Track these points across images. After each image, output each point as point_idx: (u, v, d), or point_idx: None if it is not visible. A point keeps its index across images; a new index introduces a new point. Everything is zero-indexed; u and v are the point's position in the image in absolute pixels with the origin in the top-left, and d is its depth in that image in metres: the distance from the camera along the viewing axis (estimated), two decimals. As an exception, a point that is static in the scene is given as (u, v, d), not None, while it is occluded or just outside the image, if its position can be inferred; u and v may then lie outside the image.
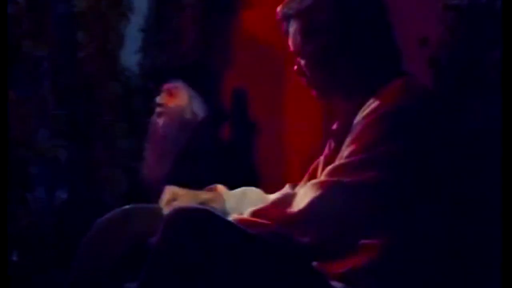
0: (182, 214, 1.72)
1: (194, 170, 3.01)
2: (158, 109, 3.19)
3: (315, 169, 2.03)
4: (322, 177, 1.80)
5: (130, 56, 3.65)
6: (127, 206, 2.07)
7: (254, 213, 1.78)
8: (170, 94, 3.18)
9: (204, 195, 2.06)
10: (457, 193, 1.82)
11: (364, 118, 1.78)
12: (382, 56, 1.88)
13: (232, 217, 1.82)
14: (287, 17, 1.92)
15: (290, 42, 1.93)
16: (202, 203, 1.99)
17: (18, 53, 3.24)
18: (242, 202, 2.04)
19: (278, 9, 1.94)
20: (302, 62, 1.91)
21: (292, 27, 1.91)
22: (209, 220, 1.71)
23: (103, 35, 3.47)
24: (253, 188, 2.12)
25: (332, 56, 1.87)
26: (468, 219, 1.88)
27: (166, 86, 3.21)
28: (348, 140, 1.80)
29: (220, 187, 2.08)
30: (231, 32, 3.36)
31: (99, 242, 2.01)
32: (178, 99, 3.17)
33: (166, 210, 1.97)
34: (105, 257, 1.99)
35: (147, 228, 1.94)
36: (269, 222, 1.74)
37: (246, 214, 1.80)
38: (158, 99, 3.19)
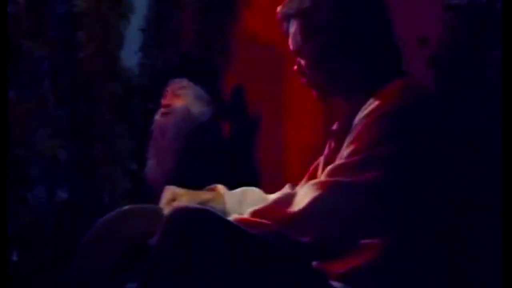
0: (182, 214, 1.72)
1: (195, 170, 3.01)
2: (163, 110, 3.18)
3: (315, 169, 2.03)
4: (322, 177, 1.80)
5: (130, 56, 3.65)
6: (126, 207, 2.07)
7: (254, 213, 1.78)
8: (176, 95, 3.18)
9: (204, 195, 2.06)
10: (457, 193, 1.82)
11: (364, 118, 1.78)
12: (382, 56, 1.88)
13: (232, 217, 1.82)
14: (287, 17, 1.92)
15: (290, 42, 1.93)
16: (202, 203, 1.99)
17: (18, 53, 3.23)
18: (242, 202, 2.04)
19: (278, 9, 1.94)
20: (302, 62, 1.90)
21: (292, 27, 1.91)
22: (209, 220, 1.71)
23: (103, 35, 3.46)
24: (253, 188, 2.12)
25: (332, 56, 1.86)
26: (468, 219, 1.88)
27: (172, 86, 3.20)
28: (348, 140, 1.80)
29: (220, 187, 2.08)
30: (231, 31, 3.36)
31: (98, 243, 2.01)
32: (183, 100, 3.16)
33: (166, 210, 1.97)
34: (104, 258, 1.99)
35: (146, 229, 1.94)
36: (269, 222, 1.74)
37: (246, 214, 1.80)
38: (163, 100, 3.19)
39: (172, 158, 3.10)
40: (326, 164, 1.93)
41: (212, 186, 2.10)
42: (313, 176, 2.00)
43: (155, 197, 2.12)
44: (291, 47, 1.93)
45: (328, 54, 1.87)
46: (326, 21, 1.86)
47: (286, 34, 1.93)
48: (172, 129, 3.13)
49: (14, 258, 3.08)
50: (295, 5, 1.90)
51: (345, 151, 1.79)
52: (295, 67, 1.94)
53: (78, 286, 2.01)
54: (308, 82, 1.92)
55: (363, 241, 1.76)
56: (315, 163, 2.05)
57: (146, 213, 2.04)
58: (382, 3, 1.92)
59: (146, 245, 1.87)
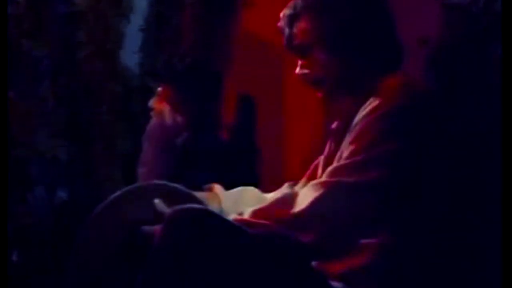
0: (182, 214, 1.72)
1: (195, 171, 3.01)
2: (151, 112, 3.18)
3: (315, 169, 2.03)
4: (323, 177, 1.80)
5: (130, 56, 3.66)
6: (117, 193, 2.02)
7: (255, 213, 1.78)
8: (158, 97, 3.17)
9: (199, 195, 2.04)
10: (457, 193, 1.82)
11: (363, 118, 1.78)
12: (386, 54, 1.88)
13: (231, 217, 1.82)
14: (291, 19, 1.91)
15: (296, 43, 1.91)
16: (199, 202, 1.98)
17: (18, 53, 3.24)
18: (239, 202, 2.03)
19: (281, 14, 1.93)
20: (318, 55, 1.88)
21: (297, 27, 1.89)
22: (209, 220, 1.71)
23: (103, 35, 3.47)
24: (251, 188, 2.11)
25: (346, 36, 1.85)
26: (468, 218, 1.88)
27: (159, 88, 3.20)
28: (347, 140, 1.80)
29: (217, 187, 2.07)
30: (231, 31, 3.36)
31: (94, 234, 1.98)
32: (162, 103, 3.15)
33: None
34: (101, 248, 1.96)
35: (142, 210, 1.91)
36: (269, 223, 1.74)
37: (246, 214, 1.79)
38: (150, 102, 3.18)
39: (156, 161, 3.08)
40: (326, 163, 1.93)
41: (209, 185, 2.10)
42: (313, 175, 1.99)
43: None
44: (297, 51, 1.91)
45: (342, 33, 1.85)
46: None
47: (289, 41, 1.92)
48: (153, 132, 3.12)
49: (14, 258, 3.08)
50: (300, 3, 1.89)
51: (345, 151, 1.79)
52: (297, 70, 1.93)
53: (78, 277, 1.98)
54: (319, 80, 1.90)
55: (363, 241, 1.76)
56: (315, 163, 2.05)
57: (137, 195, 2.00)
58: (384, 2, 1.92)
59: (140, 231, 1.85)
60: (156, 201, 1.89)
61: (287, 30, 1.92)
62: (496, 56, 2.04)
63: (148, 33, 3.72)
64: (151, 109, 3.16)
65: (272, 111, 3.12)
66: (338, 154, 1.83)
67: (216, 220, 1.73)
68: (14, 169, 3.09)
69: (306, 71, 1.91)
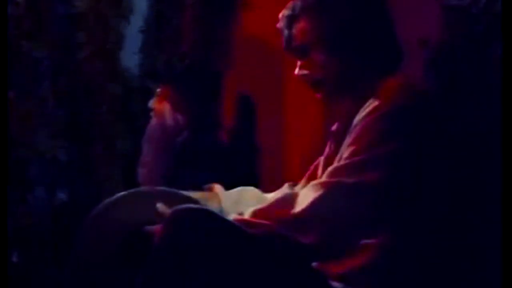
0: (183, 214, 1.72)
1: (195, 171, 3.01)
2: (151, 113, 3.19)
3: (315, 169, 2.03)
4: (323, 177, 1.80)
5: (130, 56, 3.66)
6: (119, 194, 2.02)
7: (255, 213, 1.78)
8: (158, 97, 3.17)
9: (199, 195, 2.05)
10: (457, 193, 1.83)
11: (363, 118, 1.78)
12: (385, 55, 1.88)
13: (232, 217, 1.82)
14: (290, 20, 1.91)
15: (294, 44, 1.91)
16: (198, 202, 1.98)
17: (18, 53, 3.23)
18: (239, 202, 2.04)
19: (280, 15, 1.93)
20: (317, 56, 1.88)
21: (296, 28, 1.89)
22: (209, 220, 1.71)
23: (103, 35, 3.47)
24: (251, 188, 2.12)
25: (345, 37, 1.85)
26: (468, 218, 1.88)
27: (159, 89, 3.21)
28: (347, 140, 1.80)
29: (217, 187, 2.08)
30: (232, 32, 3.36)
31: (94, 234, 1.98)
32: (162, 103, 3.15)
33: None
34: (101, 247, 1.96)
35: (141, 213, 1.91)
36: (270, 223, 1.74)
37: (247, 214, 1.80)
38: (150, 103, 3.19)
39: (156, 161, 3.09)
40: (326, 164, 1.93)
41: (208, 185, 2.10)
42: (313, 176, 2.00)
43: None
44: (296, 52, 1.92)
45: (341, 33, 1.85)
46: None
47: (288, 42, 1.92)
48: (153, 133, 3.12)
49: (14, 258, 3.08)
50: (298, 4, 1.89)
51: (345, 152, 1.79)
52: (297, 71, 1.93)
53: (78, 277, 1.98)
54: (318, 80, 1.90)
55: (363, 241, 1.76)
56: (315, 163, 2.05)
57: (139, 197, 2.00)
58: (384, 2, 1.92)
59: (142, 231, 1.86)
60: (158, 204, 1.89)
61: (286, 31, 1.92)
62: (496, 56, 2.04)
63: (148, 34, 3.73)
64: (151, 110, 3.16)
65: (272, 111, 3.11)
66: (338, 155, 1.83)
67: (216, 220, 1.73)
68: (14, 169, 3.09)
69: (305, 72, 1.91)
